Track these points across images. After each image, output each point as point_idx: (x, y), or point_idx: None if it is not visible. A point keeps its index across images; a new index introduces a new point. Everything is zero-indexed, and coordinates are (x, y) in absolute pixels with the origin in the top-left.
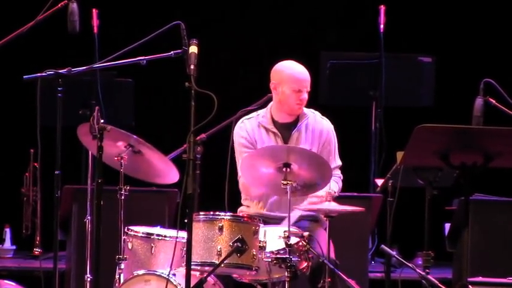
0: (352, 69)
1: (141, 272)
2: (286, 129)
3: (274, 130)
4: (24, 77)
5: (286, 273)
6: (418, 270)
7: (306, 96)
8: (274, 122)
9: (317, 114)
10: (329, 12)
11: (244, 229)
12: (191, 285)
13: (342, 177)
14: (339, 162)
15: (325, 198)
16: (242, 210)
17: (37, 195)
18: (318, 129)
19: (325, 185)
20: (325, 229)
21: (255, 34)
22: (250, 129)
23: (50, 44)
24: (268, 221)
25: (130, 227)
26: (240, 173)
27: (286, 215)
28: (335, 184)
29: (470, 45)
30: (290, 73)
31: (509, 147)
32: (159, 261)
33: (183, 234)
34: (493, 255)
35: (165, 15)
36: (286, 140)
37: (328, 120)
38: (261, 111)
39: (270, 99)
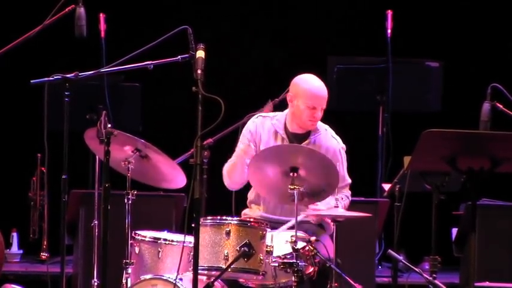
0: (359, 74)
1: (148, 276)
2: (295, 139)
3: (284, 136)
4: (31, 81)
5: (292, 277)
6: (425, 275)
7: (319, 114)
8: (286, 129)
9: (329, 131)
10: (336, 17)
11: (252, 234)
12: None
13: (349, 196)
14: (348, 180)
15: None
16: (246, 213)
17: (44, 200)
18: (325, 147)
19: (332, 192)
20: (331, 236)
21: (262, 38)
22: (260, 127)
23: (57, 48)
24: (272, 224)
25: (137, 232)
26: (232, 158)
27: (287, 218)
28: (342, 202)
29: (477, 50)
30: (307, 88)
31: None
32: (166, 265)
33: (190, 238)
34: (500, 260)
35: (173, 20)
36: None
37: (339, 139)
38: (278, 114)
39: (278, 105)
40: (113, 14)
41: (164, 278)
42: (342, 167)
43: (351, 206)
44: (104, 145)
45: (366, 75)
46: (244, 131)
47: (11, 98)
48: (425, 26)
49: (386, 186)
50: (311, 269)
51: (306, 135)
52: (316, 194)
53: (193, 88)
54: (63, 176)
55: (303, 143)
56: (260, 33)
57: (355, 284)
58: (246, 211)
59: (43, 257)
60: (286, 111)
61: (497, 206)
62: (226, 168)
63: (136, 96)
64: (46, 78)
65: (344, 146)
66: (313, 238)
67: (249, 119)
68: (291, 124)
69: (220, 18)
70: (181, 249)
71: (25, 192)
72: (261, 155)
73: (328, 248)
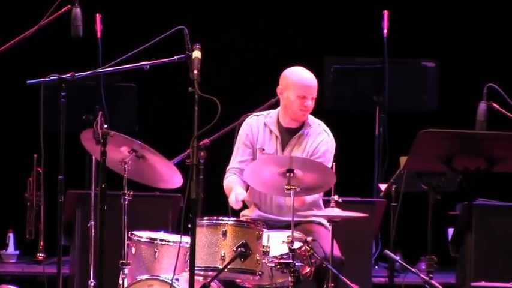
0: (356, 74)
1: (144, 277)
2: (288, 133)
3: (276, 133)
4: (27, 82)
5: (289, 278)
6: (421, 275)
7: (310, 103)
8: (279, 124)
9: (321, 126)
10: (333, 17)
11: (248, 234)
12: None
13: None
14: None
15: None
16: (244, 214)
17: (40, 200)
18: (315, 140)
19: (329, 187)
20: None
21: (259, 39)
22: (255, 127)
23: (53, 48)
24: (269, 223)
25: (133, 232)
26: (230, 165)
27: (286, 218)
28: None
29: (473, 50)
30: (296, 79)
31: None
32: (162, 266)
33: (187, 239)
34: (496, 260)
35: (169, 20)
36: (284, 144)
37: (331, 135)
38: (271, 111)
39: (274, 104)
40: (109, 14)
41: (161, 278)
42: (328, 162)
43: (348, 207)
44: (100, 146)
45: (363, 76)
46: (241, 133)
47: (7, 99)
48: (421, 26)
49: (383, 187)
50: (307, 269)
51: (299, 129)
52: (313, 189)
53: (190, 88)
54: (60, 177)
55: (294, 137)
56: (257, 34)
57: (351, 284)
58: (244, 212)
59: (39, 257)
60: (279, 108)
61: (493, 206)
62: (225, 187)
63: (132, 96)
64: (42, 79)
65: (334, 142)
66: (309, 238)
67: (245, 119)
68: (283, 118)
69: (217, 19)
70: (178, 250)
71: (21, 192)
72: (257, 163)
73: (325, 245)
